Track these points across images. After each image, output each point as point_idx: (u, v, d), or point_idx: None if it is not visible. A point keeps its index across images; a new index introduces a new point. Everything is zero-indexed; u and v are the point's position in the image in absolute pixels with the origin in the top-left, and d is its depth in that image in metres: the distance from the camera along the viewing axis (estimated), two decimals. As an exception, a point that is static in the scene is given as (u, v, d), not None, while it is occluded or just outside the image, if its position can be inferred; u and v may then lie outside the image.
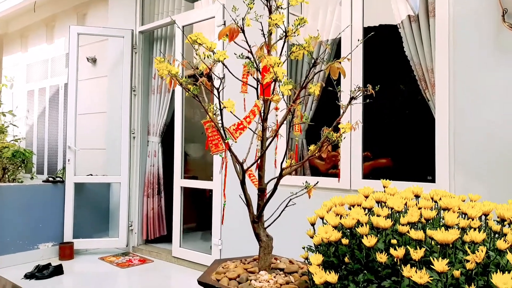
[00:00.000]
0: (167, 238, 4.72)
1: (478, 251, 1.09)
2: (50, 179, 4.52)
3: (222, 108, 1.73)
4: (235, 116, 1.85)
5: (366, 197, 1.61)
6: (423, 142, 3.83)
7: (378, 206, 1.53)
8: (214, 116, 1.93)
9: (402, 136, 4.05)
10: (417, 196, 1.61)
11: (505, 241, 1.14)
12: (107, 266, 4.03)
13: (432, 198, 1.55)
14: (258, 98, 1.82)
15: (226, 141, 1.76)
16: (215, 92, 1.77)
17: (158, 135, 4.68)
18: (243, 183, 1.99)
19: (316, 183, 2.06)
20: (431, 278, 1.10)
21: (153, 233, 4.71)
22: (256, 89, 1.81)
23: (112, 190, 4.90)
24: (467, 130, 2.45)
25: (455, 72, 2.50)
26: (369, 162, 3.56)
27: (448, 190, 2.49)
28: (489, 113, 2.38)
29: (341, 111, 1.91)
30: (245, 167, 1.99)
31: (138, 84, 4.71)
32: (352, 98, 1.84)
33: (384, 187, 1.73)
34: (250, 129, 2.12)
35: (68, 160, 4.49)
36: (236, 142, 1.83)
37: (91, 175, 4.76)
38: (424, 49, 2.69)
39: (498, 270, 1.08)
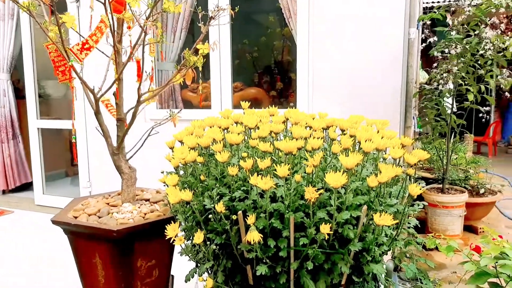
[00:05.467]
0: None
1: (315, 156, 1.18)
2: None
3: (60, 24, 1.50)
4: (80, 35, 1.63)
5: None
6: (288, 72, 4.02)
7: (236, 125, 1.54)
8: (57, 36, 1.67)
9: (270, 67, 4.17)
10: (272, 116, 1.66)
11: (340, 145, 1.25)
12: (-48, 223, 3.48)
13: (285, 117, 1.62)
14: (106, 14, 1.61)
15: (70, 63, 1.54)
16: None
17: (6, 71, 4.00)
18: (97, 113, 1.82)
19: (180, 111, 2.00)
20: (276, 183, 1.16)
21: (14, 181, 4.20)
22: (104, 3, 1.60)
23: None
24: (323, 58, 2.61)
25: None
26: (239, 92, 3.60)
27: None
28: (343, 42, 2.55)
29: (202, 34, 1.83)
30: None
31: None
32: (211, 18, 1.76)
33: (243, 109, 1.75)
34: (105, 54, 1.91)
35: None
36: (82, 64, 1.62)
37: None
38: (288, -23, 2.71)
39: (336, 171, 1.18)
